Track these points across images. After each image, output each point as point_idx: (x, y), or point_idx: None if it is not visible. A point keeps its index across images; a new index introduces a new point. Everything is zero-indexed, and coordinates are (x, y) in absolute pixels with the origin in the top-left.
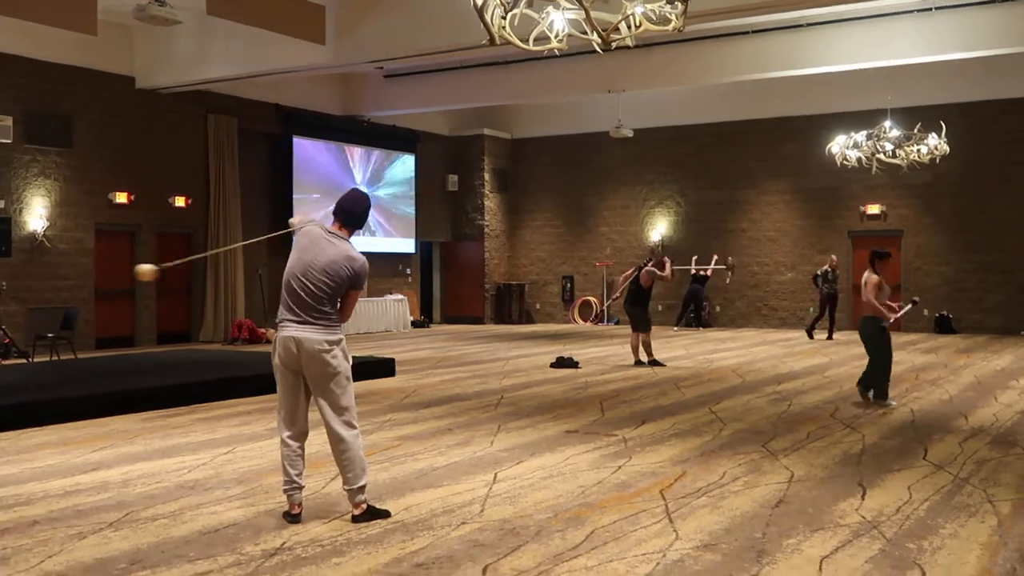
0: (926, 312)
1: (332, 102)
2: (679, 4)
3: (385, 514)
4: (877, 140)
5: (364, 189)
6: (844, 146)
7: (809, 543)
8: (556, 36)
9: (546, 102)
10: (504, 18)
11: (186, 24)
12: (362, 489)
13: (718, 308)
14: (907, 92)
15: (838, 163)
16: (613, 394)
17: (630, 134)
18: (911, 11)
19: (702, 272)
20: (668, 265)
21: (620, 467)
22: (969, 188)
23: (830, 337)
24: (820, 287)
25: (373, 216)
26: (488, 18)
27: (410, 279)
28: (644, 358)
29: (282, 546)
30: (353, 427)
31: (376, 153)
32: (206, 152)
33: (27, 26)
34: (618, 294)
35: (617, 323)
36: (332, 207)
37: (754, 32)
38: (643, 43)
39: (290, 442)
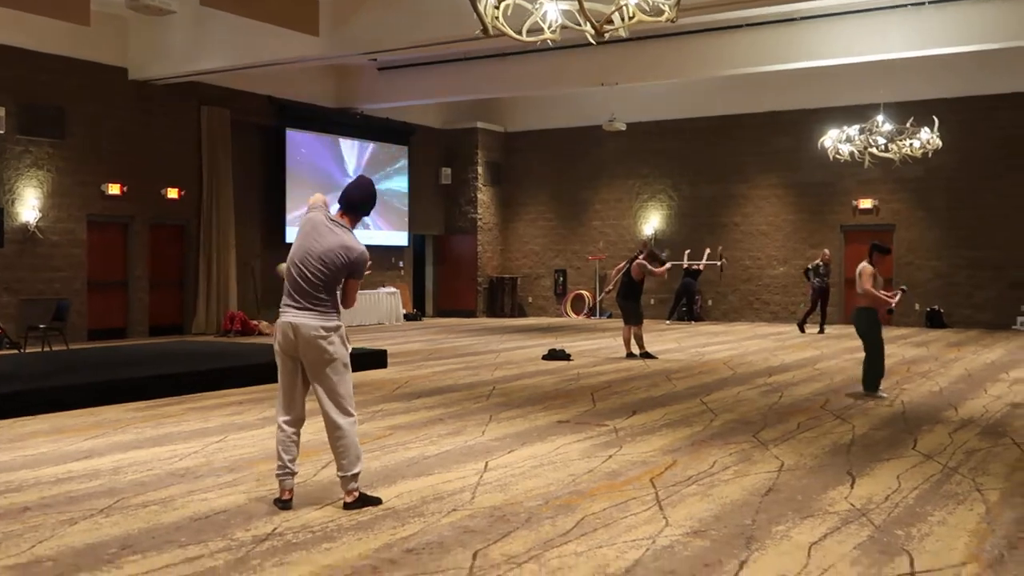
0: (917, 306)
1: (326, 94)
2: None
3: (377, 501)
4: (869, 134)
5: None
6: (837, 140)
7: (798, 530)
8: (549, 27)
9: (540, 95)
10: (497, 8)
11: (179, 15)
12: (355, 477)
13: (710, 302)
14: (900, 86)
15: (831, 157)
16: (604, 385)
17: (623, 128)
18: (904, 5)
19: (694, 266)
20: (664, 266)
21: (611, 456)
22: (961, 183)
23: (822, 331)
24: (811, 281)
25: None
26: (481, 8)
27: (403, 272)
28: (636, 351)
29: (273, 532)
30: (350, 415)
31: (370, 146)
32: (199, 144)
33: (20, 16)
34: (611, 287)
35: (609, 317)
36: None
37: (747, 26)
38: (636, 36)
39: (286, 427)
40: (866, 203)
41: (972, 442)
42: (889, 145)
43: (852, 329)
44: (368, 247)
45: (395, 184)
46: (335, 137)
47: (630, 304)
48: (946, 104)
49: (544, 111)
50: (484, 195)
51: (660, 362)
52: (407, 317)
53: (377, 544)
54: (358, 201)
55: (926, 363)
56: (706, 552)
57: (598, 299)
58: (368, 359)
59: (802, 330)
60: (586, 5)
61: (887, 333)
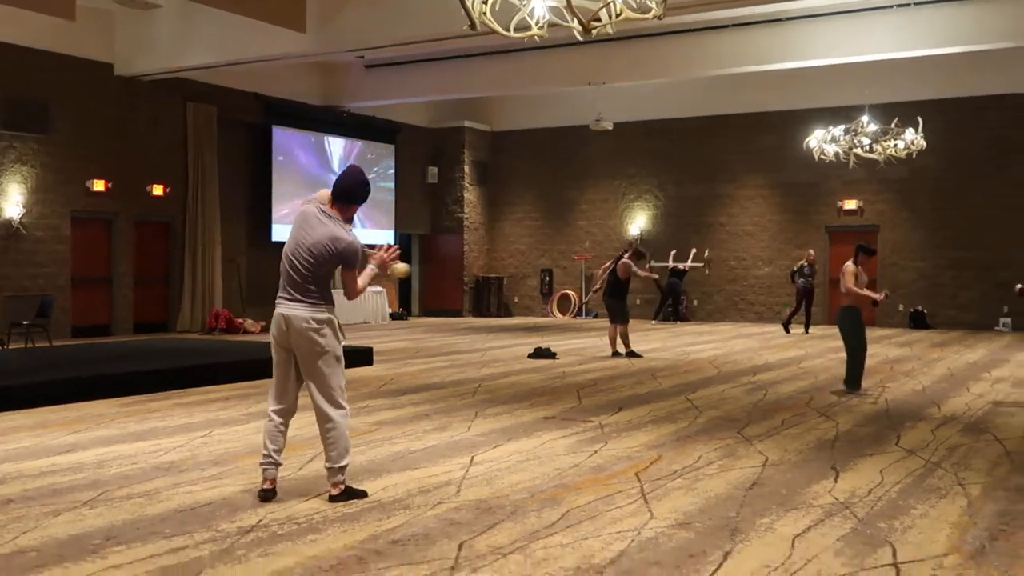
0: (901, 307)
1: (312, 92)
2: None
3: (362, 494)
4: (854, 135)
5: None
6: (822, 140)
7: (782, 522)
8: (537, 23)
9: (527, 94)
10: (485, 3)
11: (166, 10)
12: (342, 470)
13: (696, 302)
14: (885, 87)
15: (816, 157)
16: (590, 383)
17: (610, 127)
18: (890, 6)
19: (680, 266)
20: (647, 271)
21: (596, 451)
22: (946, 184)
23: (807, 331)
24: (796, 281)
25: None
26: (469, 4)
27: (389, 271)
28: (622, 349)
29: (258, 523)
30: (341, 407)
31: (356, 144)
32: (185, 140)
33: (5, 11)
34: (598, 286)
35: (595, 317)
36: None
37: (733, 26)
38: (623, 36)
39: (275, 416)
40: (851, 204)
41: (954, 438)
42: (874, 146)
43: (837, 329)
44: None
45: (381, 183)
46: (322, 135)
47: (616, 303)
48: (932, 105)
49: (531, 110)
50: (471, 194)
51: (645, 361)
52: (393, 316)
53: (363, 535)
54: (346, 189)
55: (909, 362)
56: (691, 543)
57: (586, 299)
58: (353, 356)
59: (787, 330)
60: (573, 1)
61: (871, 333)
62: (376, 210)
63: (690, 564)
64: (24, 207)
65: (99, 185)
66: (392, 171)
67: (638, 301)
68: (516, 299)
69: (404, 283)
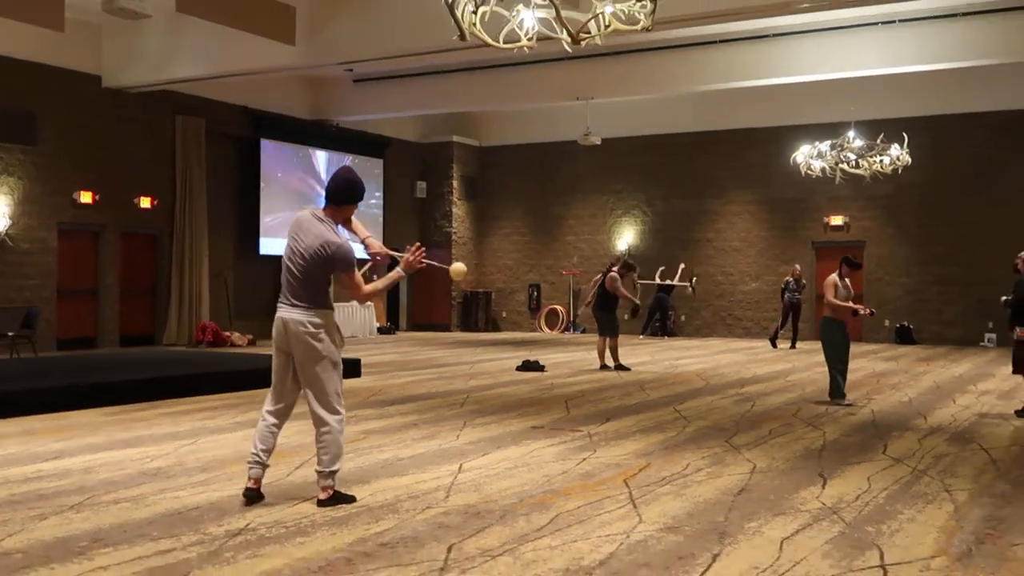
0: (887, 323)
1: (301, 106)
2: (648, 3)
3: (350, 499)
4: (841, 150)
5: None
6: (808, 156)
7: (770, 526)
8: (526, 35)
9: (515, 109)
10: (475, 13)
11: (155, 22)
12: (333, 474)
13: (683, 317)
14: (871, 104)
15: (803, 173)
16: (579, 394)
17: (598, 142)
18: (876, 23)
19: (668, 282)
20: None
21: (585, 459)
22: (932, 200)
23: (793, 346)
24: (783, 296)
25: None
26: (459, 15)
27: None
28: (610, 362)
29: (246, 527)
30: (337, 412)
31: (345, 158)
32: (173, 153)
33: None
34: (589, 299)
35: (583, 332)
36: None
37: (721, 42)
38: (612, 51)
39: (268, 417)
40: (837, 220)
41: (941, 447)
42: (860, 161)
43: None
44: None
45: (370, 197)
46: (310, 148)
47: (605, 315)
48: (917, 121)
49: (520, 125)
50: (459, 209)
51: (634, 373)
52: (381, 330)
53: (351, 538)
54: (337, 190)
55: (896, 376)
56: (679, 546)
57: (578, 312)
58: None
59: (774, 345)
60: (563, 13)
61: (857, 348)
62: (364, 224)
63: (679, 566)
64: (10, 218)
65: (86, 197)
66: (380, 185)
67: (626, 316)
68: (504, 314)
69: (392, 297)
